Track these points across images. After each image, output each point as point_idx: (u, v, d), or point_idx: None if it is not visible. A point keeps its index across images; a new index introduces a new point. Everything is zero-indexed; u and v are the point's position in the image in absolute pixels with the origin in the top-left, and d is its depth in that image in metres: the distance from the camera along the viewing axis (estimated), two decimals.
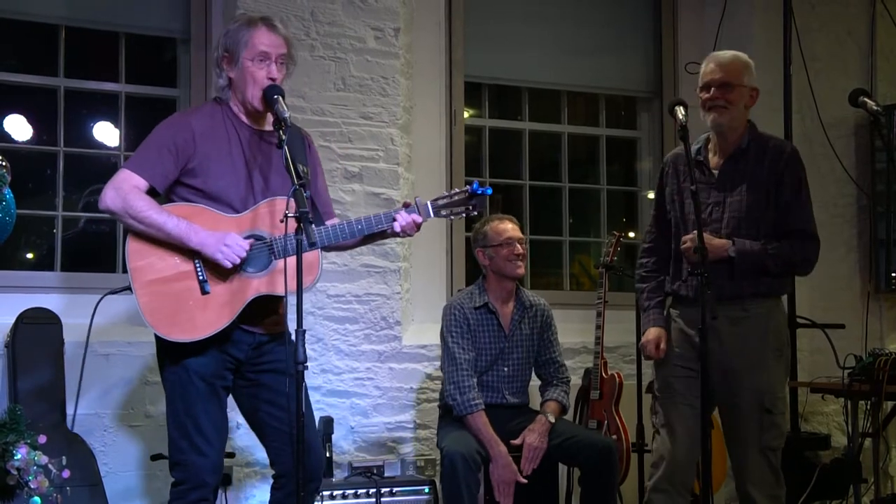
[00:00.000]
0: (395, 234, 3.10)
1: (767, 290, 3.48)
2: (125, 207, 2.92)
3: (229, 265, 2.91)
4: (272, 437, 3.11)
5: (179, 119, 3.14)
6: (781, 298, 3.59)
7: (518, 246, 4.10)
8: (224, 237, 2.91)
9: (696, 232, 3.21)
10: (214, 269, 2.95)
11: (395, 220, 3.03)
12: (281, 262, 2.95)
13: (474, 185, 3.05)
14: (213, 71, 3.17)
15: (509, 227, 4.14)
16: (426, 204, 3.07)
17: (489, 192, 3.07)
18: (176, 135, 3.01)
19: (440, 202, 3.07)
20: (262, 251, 2.98)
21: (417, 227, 3.07)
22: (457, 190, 3.09)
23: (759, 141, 3.51)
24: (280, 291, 2.95)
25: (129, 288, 2.97)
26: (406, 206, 3.08)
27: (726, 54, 3.52)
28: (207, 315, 2.93)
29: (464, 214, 3.08)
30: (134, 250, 2.96)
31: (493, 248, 4.11)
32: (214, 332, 2.93)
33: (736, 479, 3.50)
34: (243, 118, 3.10)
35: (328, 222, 3.19)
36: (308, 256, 2.81)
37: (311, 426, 3.18)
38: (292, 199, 2.74)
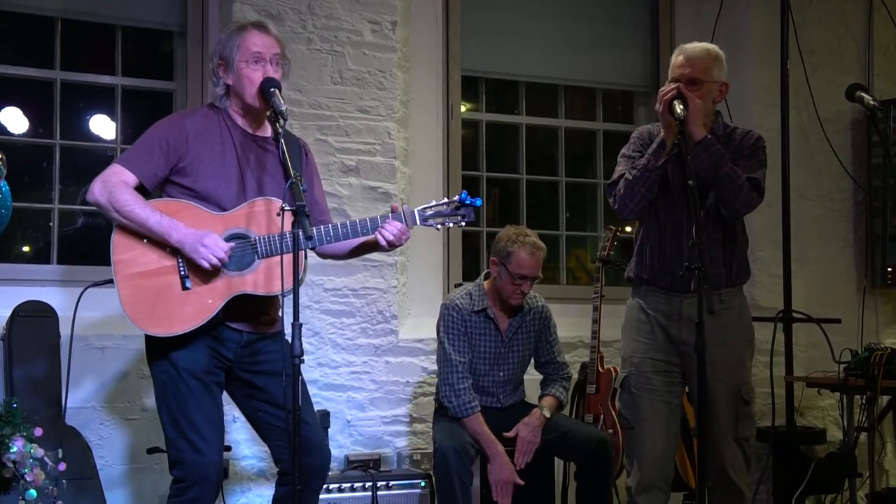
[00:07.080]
0: (384, 248, 3.06)
1: (738, 277, 3.50)
2: (111, 200, 2.94)
3: (206, 265, 2.90)
4: (274, 435, 3.12)
5: (174, 119, 3.16)
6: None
7: (528, 284, 4.04)
8: (203, 237, 2.90)
9: (676, 87, 3.26)
10: (197, 266, 2.93)
11: (383, 228, 2.99)
12: (264, 262, 2.96)
13: (463, 195, 3.04)
14: (210, 80, 3.19)
15: (531, 264, 3.99)
16: (413, 212, 3.04)
17: (478, 203, 3.05)
18: (169, 133, 3.03)
19: (428, 211, 3.05)
20: (246, 250, 2.97)
21: (403, 235, 3.02)
22: (446, 200, 3.06)
23: (726, 131, 3.49)
24: (258, 291, 2.95)
25: (111, 280, 2.97)
26: (393, 210, 3.04)
27: (696, 47, 3.44)
28: (186, 311, 2.93)
29: (451, 224, 3.05)
30: (119, 243, 2.98)
31: (506, 270, 4.03)
32: (190, 329, 2.93)
33: (710, 467, 3.37)
34: (240, 123, 3.11)
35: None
36: (291, 257, 2.79)
37: (315, 425, 3.17)
38: (289, 192, 2.76)
